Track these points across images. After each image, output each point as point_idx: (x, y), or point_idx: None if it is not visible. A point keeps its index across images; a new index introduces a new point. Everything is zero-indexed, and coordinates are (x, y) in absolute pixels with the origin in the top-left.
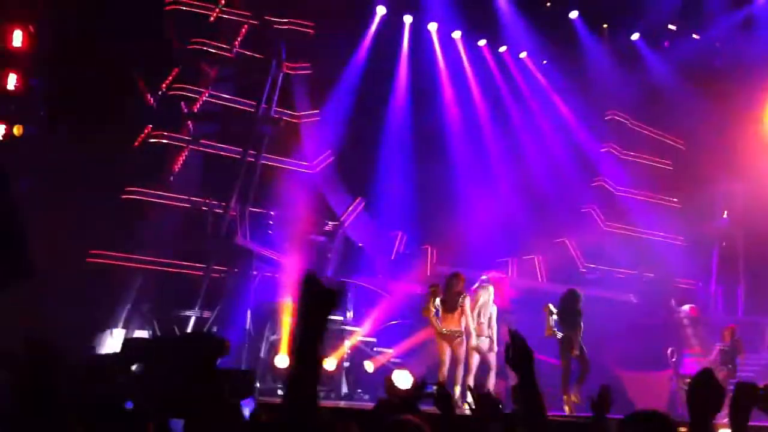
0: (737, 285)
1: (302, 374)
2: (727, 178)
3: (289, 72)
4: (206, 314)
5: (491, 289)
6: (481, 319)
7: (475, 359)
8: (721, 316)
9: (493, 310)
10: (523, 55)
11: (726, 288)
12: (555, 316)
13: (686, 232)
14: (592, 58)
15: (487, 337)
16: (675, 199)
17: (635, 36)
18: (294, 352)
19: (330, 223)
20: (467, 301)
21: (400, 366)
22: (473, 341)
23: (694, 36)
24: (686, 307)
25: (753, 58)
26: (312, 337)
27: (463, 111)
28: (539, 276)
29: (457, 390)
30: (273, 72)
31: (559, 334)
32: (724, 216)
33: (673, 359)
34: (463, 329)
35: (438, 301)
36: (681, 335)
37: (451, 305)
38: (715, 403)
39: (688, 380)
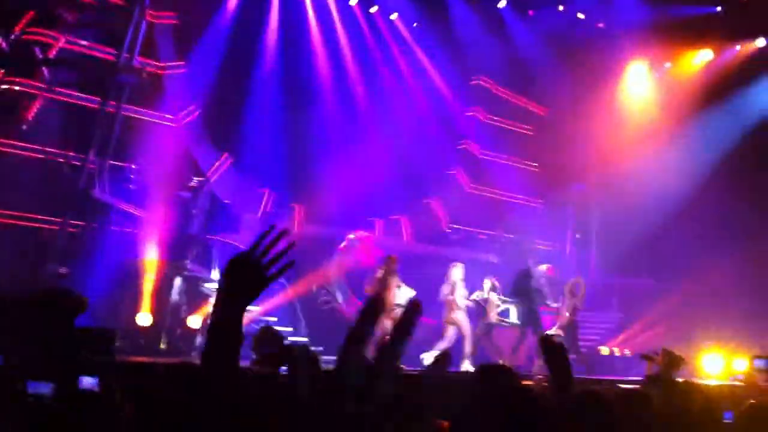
0: (591, 247)
1: (222, 351)
2: (584, 146)
3: (153, 21)
4: (63, 270)
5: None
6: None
7: None
8: (575, 276)
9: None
10: (394, 16)
11: (580, 250)
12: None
13: (545, 196)
14: (461, 23)
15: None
16: (536, 164)
17: (502, 3)
18: (215, 330)
19: (195, 178)
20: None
21: (266, 324)
22: None
23: (560, 7)
24: (543, 267)
25: (611, 30)
26: (235, 318)
27: (334, 69)
28: (405, 236)
29: None
30: (136, 20)
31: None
32: (580, 181)
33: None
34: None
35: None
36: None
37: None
38: (557, 362)
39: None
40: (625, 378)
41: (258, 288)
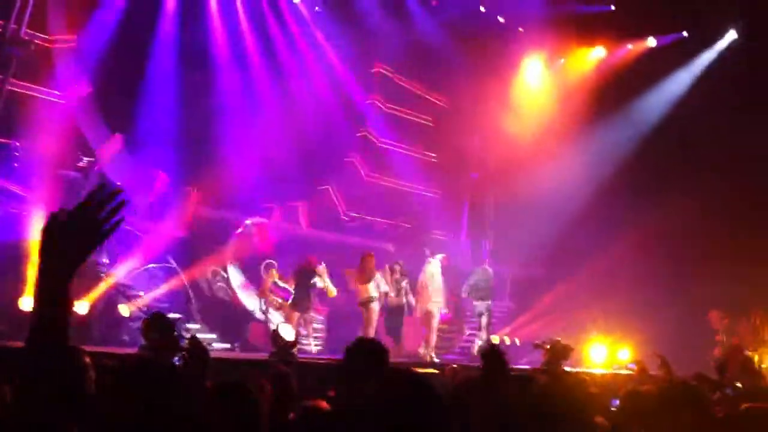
0: (484, 237)
1: (50, 318)
2: (481, 137)
3: None
4: None
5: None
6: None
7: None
8: (469, 266)
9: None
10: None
11: (474, 240)
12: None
13: (442, 186)
14: (364, 9)
15: None
16: (434, 154)
17: None
18: (41, 294)
19: (85, 158)
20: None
21: (156, 310)
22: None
23: None
24: (439, 256)
25: (511, 24)
26: (60, 277)
27: (233, 50)
28: (302, 222)
29: None
30: None
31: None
32: (476, 172)
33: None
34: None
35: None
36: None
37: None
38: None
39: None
40: (516, 366)
41: (87, 249)
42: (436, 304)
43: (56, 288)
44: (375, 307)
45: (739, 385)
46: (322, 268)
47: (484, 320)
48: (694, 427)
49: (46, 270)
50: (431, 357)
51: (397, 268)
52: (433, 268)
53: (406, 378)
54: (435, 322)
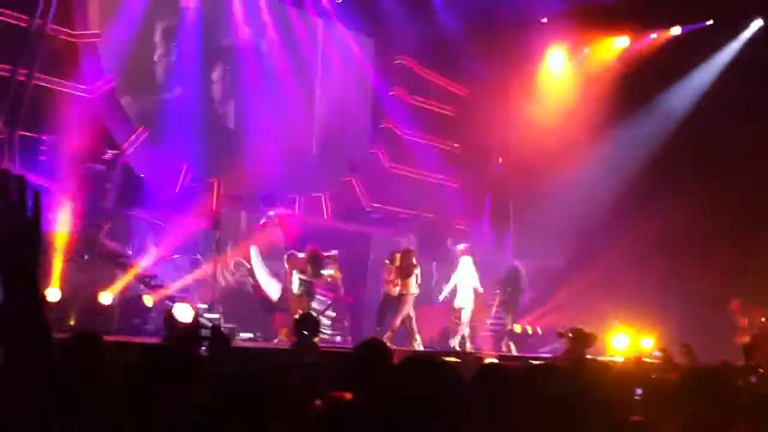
0: (507, 228)
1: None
2: (502, 127)
3: None
4: None
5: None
6: None
7: None
8: (491, 257)
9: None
10: None
11: (496, 230)
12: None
13: (464, 177)
14: (386, 1)
15: None
16: (456, 145)
17: None
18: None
19: (110, 151)
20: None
21: (181, 301)
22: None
23: None
24: (461, 247)
25: (533, 14)
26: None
27: (256, 42)
28: (325, 214)
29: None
30: None
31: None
32: (498, 163)
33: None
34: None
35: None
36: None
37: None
38: None
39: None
40: (538, 354)
41: (31, 239)
42: (467, 299)
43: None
44: (410, 300)
45: (761, 371)
46: (334, 255)
47: (465, 315)
48: (719, 412)
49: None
50: (464, 348)
51: (398, 256)
52: (465, 264)
53: (426, 361)
54: (465, 316)
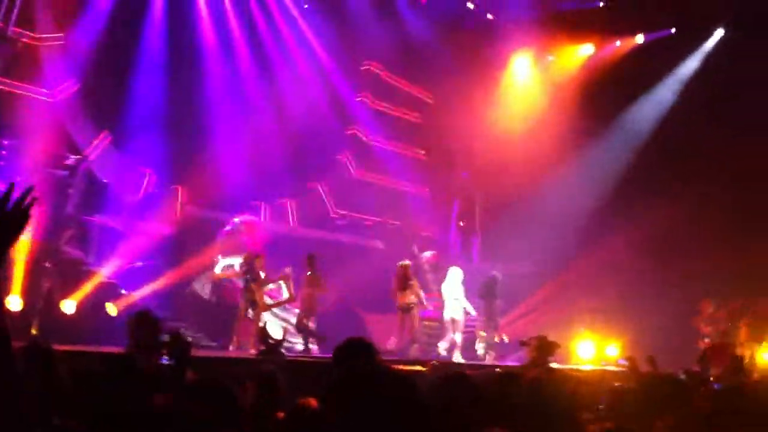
0: (474, 235)
1: None
2: (469, 134)
3: None
4: None
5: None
6: None
7: None
8: (458, 263)
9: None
10: None
11: (463, 237)
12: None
13: (430, 184)
14: (353, 7)
15: None
16: (422, 152)
17: None
18: None
19: (72, 156)
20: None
21: (144, 308)
22: None
23: None
24: (428, 254)
25: (500, 21)
26: None
27: (221, 47)
28: (291, 221)
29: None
30: None
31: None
32: (464, 171)
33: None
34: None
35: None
36: (422, 280)
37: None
38: None
39: (426, 322)
40: (503, 363)
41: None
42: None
43: None
44: (416, 312)
45: (711, 379)
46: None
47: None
48: (677, 421)
49: None
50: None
51: (398, 269)
52: (454, 275)
53: (387, 376)
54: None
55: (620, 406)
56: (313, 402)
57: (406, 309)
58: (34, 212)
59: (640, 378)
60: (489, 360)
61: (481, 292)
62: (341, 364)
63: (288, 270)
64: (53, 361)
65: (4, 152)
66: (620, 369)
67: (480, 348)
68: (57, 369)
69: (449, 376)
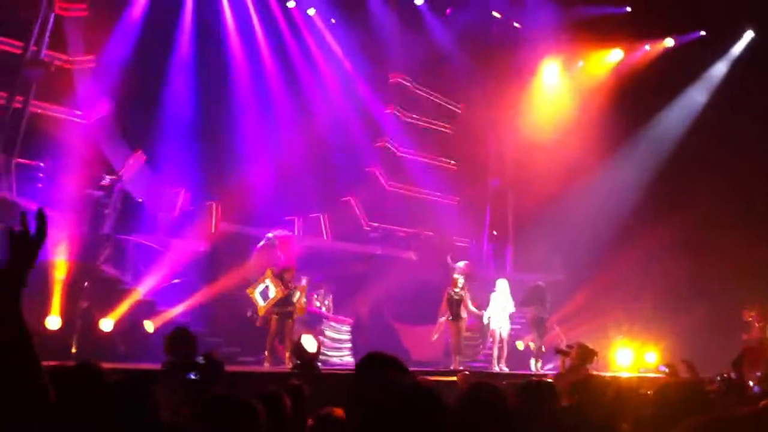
0: (506, 244)
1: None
2: (499, 143)
3: (62, 13)
4: None
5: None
6: None
7: None
8: (492, 273)
9: None
10: (311, 12)
11: (496, 246)
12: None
13: (462, 194)
14: (379, 20)
15: None
16: (453, 162)
17: (419, 1)
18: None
19: (107, 177)
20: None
21: (182, 325)
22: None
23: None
24: (461, 264)
25: (526, 29)
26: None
27: (250, 65)
28: (324, 234)
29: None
30: (44, 11)
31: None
32: (495, 180)
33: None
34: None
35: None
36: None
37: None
38: None
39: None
40: (541, 371)
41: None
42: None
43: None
44: (452, 325)
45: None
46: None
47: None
48: (693, 426)
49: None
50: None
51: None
52: (502, 287)
53: (412, 388)
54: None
55: (639, 413)
56: (337, 411)
57: (448, 323)
58: (71, 233)
59: (655, 384)
60: (536, 370)
61: (526, 301)
62: (363, 378)
63: (305, 282)
64: (103, 378)
65: (41, 175)
66: (660, 376)
67: (533, 363)
68: (107, 387)
69: (476, 384)
